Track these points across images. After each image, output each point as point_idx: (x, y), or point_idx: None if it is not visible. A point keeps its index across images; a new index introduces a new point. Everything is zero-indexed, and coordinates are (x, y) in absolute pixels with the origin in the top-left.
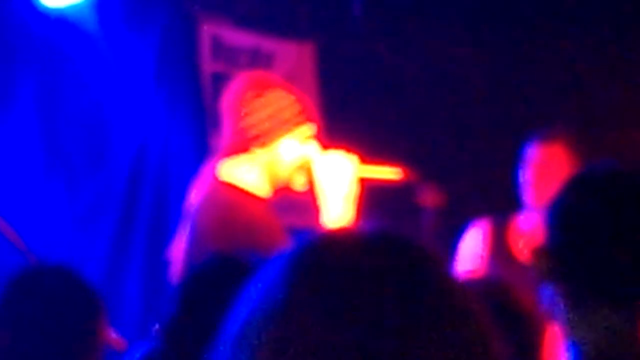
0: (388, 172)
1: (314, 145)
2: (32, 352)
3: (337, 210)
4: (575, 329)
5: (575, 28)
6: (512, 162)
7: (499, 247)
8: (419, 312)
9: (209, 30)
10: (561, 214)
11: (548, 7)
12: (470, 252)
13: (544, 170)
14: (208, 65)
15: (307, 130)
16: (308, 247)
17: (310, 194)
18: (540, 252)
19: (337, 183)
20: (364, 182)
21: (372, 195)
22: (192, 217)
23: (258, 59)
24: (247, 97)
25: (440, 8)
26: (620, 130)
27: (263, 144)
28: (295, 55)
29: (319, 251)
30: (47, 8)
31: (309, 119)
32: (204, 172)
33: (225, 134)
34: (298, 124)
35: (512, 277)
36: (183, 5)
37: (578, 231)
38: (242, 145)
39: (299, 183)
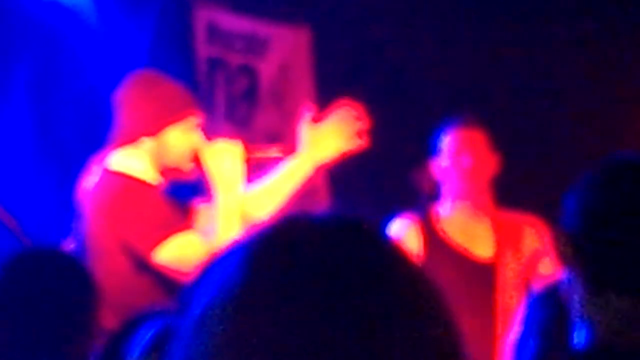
0: (274, 152)
1: (200, 134)
2: (26, 335)
3: (228, 196)
4: (589, 313)
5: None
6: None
7: (432, 238)
8: (386, 307)
9: (205, 15)
10: (581, 200)
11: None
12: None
13: (475, 156)
14: (203, 50)
15: (194, 120)
16: (267, 236)
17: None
18: (560, 237)
19: (224, 169)
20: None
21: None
22: (84, 208)
23: (254, 44)
24: (135, 91)
25: None
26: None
27: (151, 134)
28: (292, 39)
29: (278, 240)
30: None
31: (195, 110)
32: (94, 163)
33: (115, 126)
34: (185, 114)
35: (449, 267)
36: None
37: (597, 218)
38: (131, 136)
39: (187, 168)
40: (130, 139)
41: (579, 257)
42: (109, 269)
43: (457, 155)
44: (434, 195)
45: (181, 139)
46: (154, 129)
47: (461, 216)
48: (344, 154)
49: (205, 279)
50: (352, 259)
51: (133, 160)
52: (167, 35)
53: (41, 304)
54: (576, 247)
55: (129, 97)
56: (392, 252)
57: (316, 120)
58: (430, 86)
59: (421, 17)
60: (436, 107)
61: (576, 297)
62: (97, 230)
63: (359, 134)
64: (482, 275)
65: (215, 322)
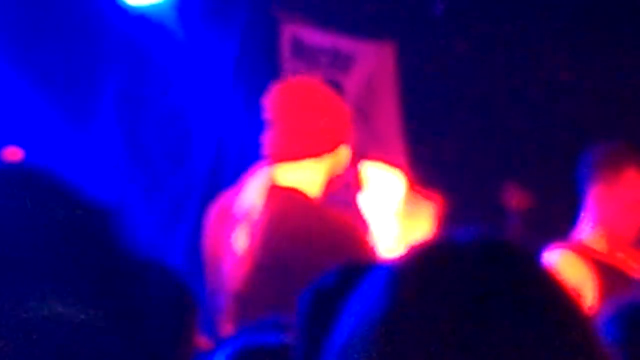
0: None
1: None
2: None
3: (386, 225)
4: None
5: None
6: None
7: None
8: (539, 339)
9: (290, 30)
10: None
11: None
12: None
13: None
14: (289, 64)
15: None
16: (414, 259)
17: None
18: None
19: (386, 198)
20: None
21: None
22: (260, 224)
23: (338, 59)
24: (311, 102)
25: (518, 10)
26: None
27: (329, 150)
28: (376, 55)
29: (425, 263)
30: (130, 7)
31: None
32: (255, 174)
33: (282, 138)
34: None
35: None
36: (263, 4)
37: None
38: (306, 149)
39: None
40: (303, 153)
41: None
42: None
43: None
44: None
45: (347, 154)
46: (333, 145)
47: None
48: None
49: (348, 305)
50: (502, 284)
51: (309, 175)
52: (253, 49)
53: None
54: None
55: (299, 109)
56: (543, 277)
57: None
58: (514, 100)
59: (506, 34)
60: (520, 123)
61: None
62: (269, 245)
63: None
64: None
65: (361, 350)
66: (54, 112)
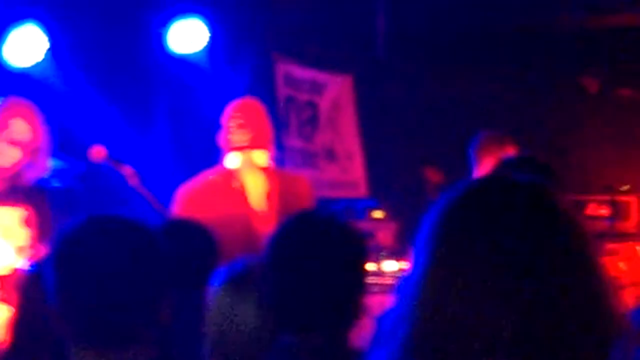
0: None
1: None
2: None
3: None
4: None
5: None
6: None
7: None
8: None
9: (282, 67)
10: None
11: None
12: None
13: None
14: (282, 91)
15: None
16: (466, 191)
17: None
18: None
19: None
20: None
21: None
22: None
23: (315, 86)
24: (264, 114)
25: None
26: None
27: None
28: (340, 84)
29: (476, 193)
30: (175, 53)
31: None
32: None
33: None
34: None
35: None
36: (264, 50)
37: None
38: (264, 142)
39: None
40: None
41: None
42: None
43: None
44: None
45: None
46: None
47: None
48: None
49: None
50: (535, 203)
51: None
52: (257, 79)
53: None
54: None
55: (261, 117)
56: (550, 194)
57: None
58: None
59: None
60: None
61: None
62: None
63: None
64: None
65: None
66: (124, 123)
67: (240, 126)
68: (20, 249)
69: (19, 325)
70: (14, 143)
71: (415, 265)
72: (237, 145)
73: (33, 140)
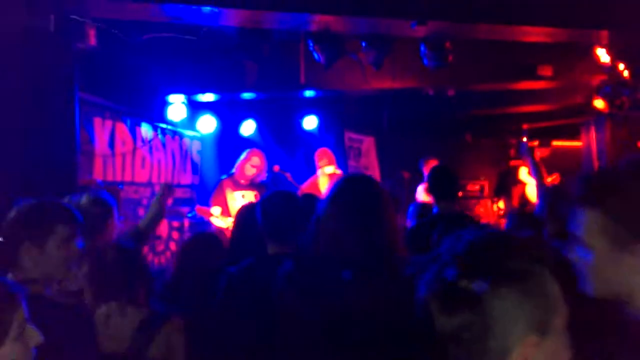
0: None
1: None
2: None
3: None
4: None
5: None
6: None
7: None
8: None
9: (347, 134)
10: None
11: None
12: None
13: None
14: (347, 147)
15: None
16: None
17: None
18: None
19: None
20: None
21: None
22: None
23: (357, 144)
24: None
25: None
26: None
27: None
28: (369, 141)
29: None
30: (305, 129)
31: None
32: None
33: None
34: None
35: None
36: (336, 126)
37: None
38: None
39: None
40: None
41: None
42: None
43: None
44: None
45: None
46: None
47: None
48: None
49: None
50: (362, 190)
51: None
52: (331, 143)
53: None
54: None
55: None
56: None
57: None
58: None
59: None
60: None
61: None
62: None
63: None
64: None
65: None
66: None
67: (321, 158)
68: None
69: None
70: (253, 166)
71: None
72: (321, 165)
73: (261, 166)
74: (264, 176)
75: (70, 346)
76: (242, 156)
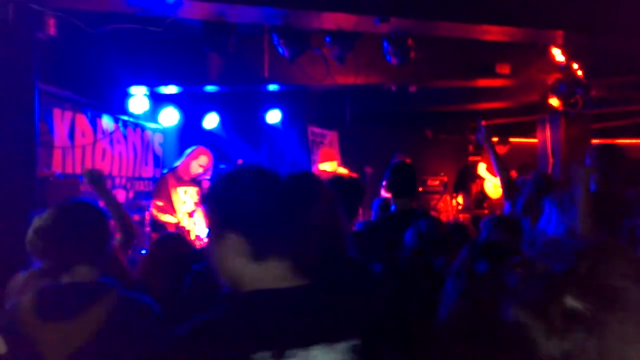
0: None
1: None
2: None
3: None
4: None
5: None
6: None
7: None
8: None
9: (310, 128)
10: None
11: None
12: None
13: None
14: (310, 141)
15: None
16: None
17: None
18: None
19: None
20: None
21: None
22: None
23: (322, 138)
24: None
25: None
26: None
27: None
28: (333, 135)
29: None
30: (269, 124)
31: None
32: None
33: None
34: None
35: None
36: (301, 122)
37: None
38: None
39: None
40: None
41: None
42: None
43: None
44: None
45: None
46: None
47: None
48: None
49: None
50: (309, 185)
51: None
52: (297, 137)
53: None
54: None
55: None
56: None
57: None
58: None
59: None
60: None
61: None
62: None
63: None
64: None
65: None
66: (246, 147)
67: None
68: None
69: None
70: (200, 165)
71: None
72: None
73: (208, 166)
74: (209, 175)
75: None
76: (188, 152)
